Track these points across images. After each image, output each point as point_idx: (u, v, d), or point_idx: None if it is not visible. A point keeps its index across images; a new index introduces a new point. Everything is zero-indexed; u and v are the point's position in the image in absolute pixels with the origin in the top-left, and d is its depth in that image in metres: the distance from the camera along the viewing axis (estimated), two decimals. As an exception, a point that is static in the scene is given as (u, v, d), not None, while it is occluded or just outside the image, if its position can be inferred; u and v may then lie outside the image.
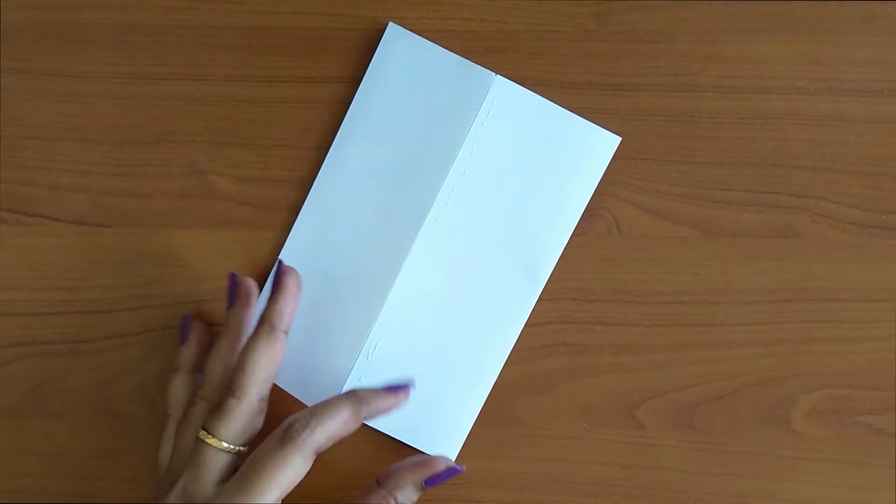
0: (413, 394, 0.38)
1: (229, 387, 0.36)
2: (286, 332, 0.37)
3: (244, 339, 0.38)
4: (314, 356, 0.40)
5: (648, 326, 0.41)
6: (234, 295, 0.39)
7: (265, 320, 0.37)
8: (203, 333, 0.40)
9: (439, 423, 0.40)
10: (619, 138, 0.40)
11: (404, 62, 0.40)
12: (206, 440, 0.35)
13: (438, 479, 0.38)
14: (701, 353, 0.41)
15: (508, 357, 0.40)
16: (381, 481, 0.37)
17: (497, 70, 0.41)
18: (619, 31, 0.41)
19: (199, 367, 0.39)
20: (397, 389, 0.37)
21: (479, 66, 0.40)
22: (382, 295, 0.40)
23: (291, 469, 0.34)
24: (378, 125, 0.40)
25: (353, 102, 0.40)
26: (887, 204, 0.41)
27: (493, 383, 0.40)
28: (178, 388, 0.39)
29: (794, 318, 0.41)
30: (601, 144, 0.40)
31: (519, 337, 0.40)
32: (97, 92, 0.41)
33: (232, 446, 0.35)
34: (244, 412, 0.35)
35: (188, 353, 0.40)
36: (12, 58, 0.41)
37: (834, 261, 0.41)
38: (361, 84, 0.40)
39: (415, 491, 0.37)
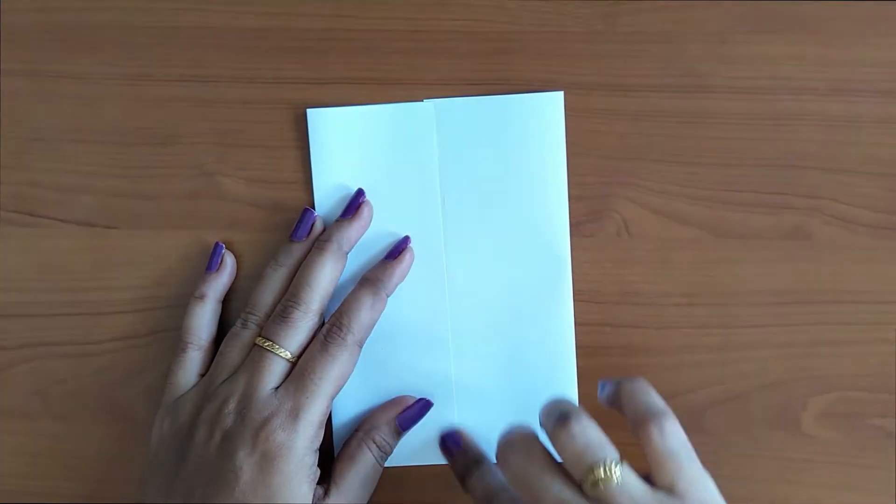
0: (508, 411, 0.40)
1: (292, 299, 0.37)
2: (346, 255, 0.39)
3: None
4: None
5: (658, 328, 0.41)
6: (302, 228, 0.40)
7: (333, 239, 0.39)
8: (233, 265, 0.41)
9: None
10: (561, 92, 0.39)
11: (340, 137, 0.40)
12: (271, 349, 0.37)
13: (412, 415, 0.40)
14: (710, 356, 0.40)
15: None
16: (358, 428, 0.39)
17: (506, 71, 0.40)
18: (628, 32, 0.41)
19: (223, 298, 0.41)
20: (398, 251, 0.40)
21: (409, 103, 0.40)
22: (444, 333, 0.41)
23: (340, 366, 0.37)
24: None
25: (314, 189, 0.41)
26: (899, 205, 0.41)
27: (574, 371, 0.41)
28: (204, 315, 0.39)
29: (803, 320, 0.41)
30: (548, 106, 0.40)
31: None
32: (104, 94, 0.41)
33: (291, 355, 0.37)
34: (306, 324, 0.37)
35: (218, 281, 0.40)
36: (18, 60, 0.41)
37: (844, 263, 0.40)
38: (313, 173, 0.40)
39: (391, 432, 0.39)
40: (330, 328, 0.37)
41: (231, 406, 0.36)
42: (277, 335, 0.37)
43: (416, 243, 0.40)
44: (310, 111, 0.40)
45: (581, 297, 0.41)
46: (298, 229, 0.40)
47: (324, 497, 0.37)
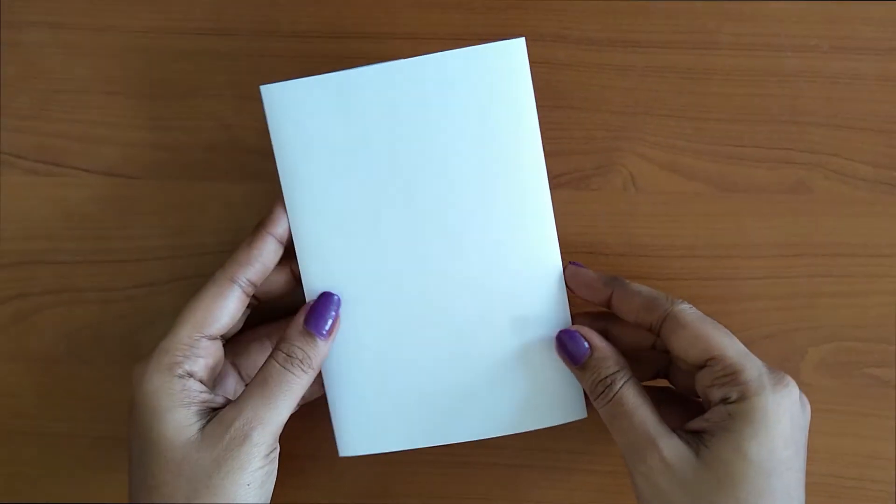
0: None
1: None
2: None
3: None
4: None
5: (662, 280, 0.42)
6: (323, 320, 0.37)
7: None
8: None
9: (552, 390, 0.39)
10: (523, 38, 0.37)
11: (298, 111, 0.37)
12: None
13: (319, 313, 0.37)
14: (713, 306, 0.42)
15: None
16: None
17: (518, 27, 0.41)
18: (638, -11, 0.42)
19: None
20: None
21: (359, 68, 0.37)
22: (432, 297, 0.38)
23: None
24: (316, 172, 0.38)
25: (280, 172, 0.38)
26: (898, 161, 0.42)
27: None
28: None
29: (804, 272, 0.42)
30: (510, 55, 0.37)
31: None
32: (127, 46, 0.42)
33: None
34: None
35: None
36: (43, 12, 0.42)
37: (845, 216, 0.42)
38: (276, 153, 0.38)
39: (304, 337, 0.36)
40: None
41: None
42: None
43: (387, 215, 0.38)
44: (262, 87, 0.37)
45: (588, 249, 0.42)
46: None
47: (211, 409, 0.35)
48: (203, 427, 0.34)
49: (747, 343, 0.35)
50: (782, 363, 0.42)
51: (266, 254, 0.37)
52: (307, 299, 0.38)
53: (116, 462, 0.43)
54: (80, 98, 0.42)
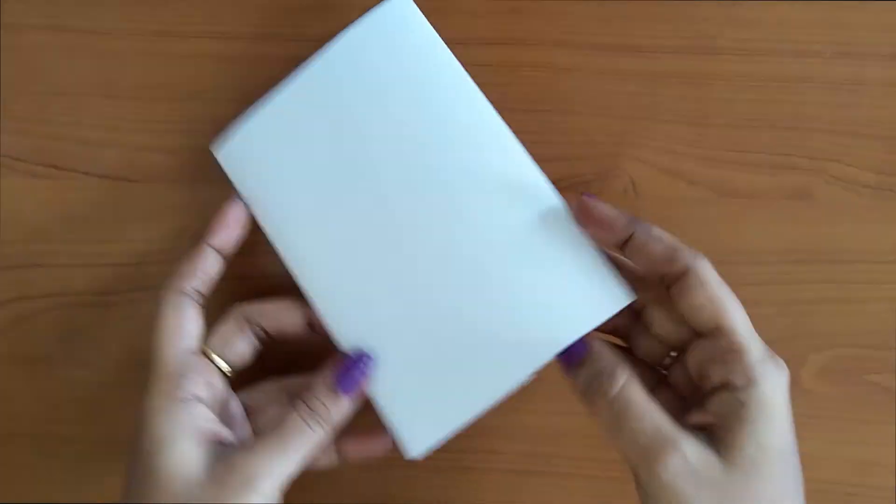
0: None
1: None
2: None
3: None
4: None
5: (663, 285, 0.42)
6: (350, 380, 0.36)
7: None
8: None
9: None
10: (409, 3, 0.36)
11: (253, 158, 0.38)
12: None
13: (351, 373, 0.36)
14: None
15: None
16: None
17: (521, 32, 0.41)
18: (640, -6, 0.42)
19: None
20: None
21: (280, 88, 0.37)
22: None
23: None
24: (292, 208, 0.37)
25: (260, 221, 0.38)
26: (900, 167, 0.41)
27: None
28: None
29: (805, 278, 0.42)
30: (401, 14, 0.36)
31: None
32: (127, 49, 0.42)
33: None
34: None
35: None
36: (42, 14, 0.42)
37: (846, 223, 0.41)
38: (248, 204, 0.38)
39: (330, 394, 0.35)
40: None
41: None
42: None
43: (374, 216, 0.37)
44: (219, 151, 0.38)
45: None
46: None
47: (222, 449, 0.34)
48: (209, 465, 0.33)
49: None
50: (783, 370, 0.42)
51: (208, 265, 0.37)
52: (333, 338, 0.37)
53: (114, 466, 0.43)
54: (79, 101, 0.42)
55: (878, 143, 0.41)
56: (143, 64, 0.42)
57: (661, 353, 0.36)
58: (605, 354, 0.35)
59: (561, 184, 0.41)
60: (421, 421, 0.36)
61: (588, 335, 0.35)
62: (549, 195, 0.36)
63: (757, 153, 0.41)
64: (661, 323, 0.36)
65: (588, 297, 0.35)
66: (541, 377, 0.41)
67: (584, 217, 0.35)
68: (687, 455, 0.31)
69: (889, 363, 0.42)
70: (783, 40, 0.41)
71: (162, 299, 0.36)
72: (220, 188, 0.42)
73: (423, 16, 0.36)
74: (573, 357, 0.35)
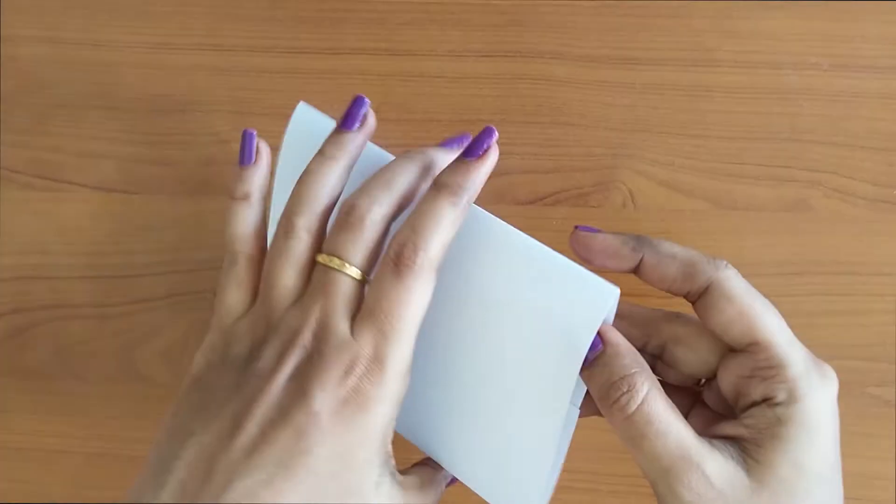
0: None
1: (361, 197, 0.30)
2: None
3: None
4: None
5: (661, 297, 0.41)
6: (353, 116, 0.32)
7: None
8: (269, 157, 0.34)
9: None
10: (617, 289, 0.30)
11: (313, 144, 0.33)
12: (340, 268, 0.30)
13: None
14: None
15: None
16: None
17: (518, 43, 0.41)
18: (637, 6, 0.42)
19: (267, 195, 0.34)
20: (480, 147, 0.30)
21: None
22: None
23: (419, 297, 0.29)
24: None
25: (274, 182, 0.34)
26: (899, 179, 0.41)
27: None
28: (251, 217, 0.33)
29: (804, 290, 0.41)
30: (599, 296, 0.30)
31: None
32: (124, 61, 0.42)
33: (360, 273, 0.30)
34: (377, 232, 0.30)
35: (259, 175, 0.33)
36: (42, 27, 0.42)
37: (845, 235, 0.41)
38: (278, 169, 0.35)
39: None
40: (401, 249, 0.29)
41: (306, 339, 0.29)
42: (345, 249, 0.30)
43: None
44: (302, 105, 0.34)
45: (587, 267, 0.42)
46: (349, 117, 0.32)
47: (393, 480, 0.30)
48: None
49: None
50: (783, 382, 0.41)
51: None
52: None
53: (110, 480, 0.43)
54: (77, 113, 0.42)
55: (876, 154, 0.41)
56: (141, 76, 0.42)
57: (691, 381, 0.33)
58: (622, 353, 0.30)
59: (560, 196, 0.42)
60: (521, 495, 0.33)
61: (605, 329, 0.30)
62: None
63: (755, 165, 0.41)
64: (685, 360, 0.33)
65: (579, 307, 0.31)
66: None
67: (585, 251, 0.33)
68: (712, 475, 0.28)
69: (889, 376, 0.41)
70: (781, 53, 0.41)
71: (417, 272, 0.29)
72: (218, 200, 0.42)
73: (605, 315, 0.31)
74: (587, 357, 0.30)
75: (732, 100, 0.41)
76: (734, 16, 0.41)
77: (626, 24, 0.41)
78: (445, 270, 0.31)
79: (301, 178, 0.31)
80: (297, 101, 0.42)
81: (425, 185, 0.32)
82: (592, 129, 0.42)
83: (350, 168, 0.32)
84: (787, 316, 0.41)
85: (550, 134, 0.42)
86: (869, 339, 0.41)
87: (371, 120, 0.33)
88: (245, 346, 0.30)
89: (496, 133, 0.31)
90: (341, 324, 0.29)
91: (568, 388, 0.30)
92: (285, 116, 0.42)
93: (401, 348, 0.29)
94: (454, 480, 0.35)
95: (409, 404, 0.32)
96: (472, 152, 0.30)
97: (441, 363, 0.33)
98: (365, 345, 0.29)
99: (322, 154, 0.32)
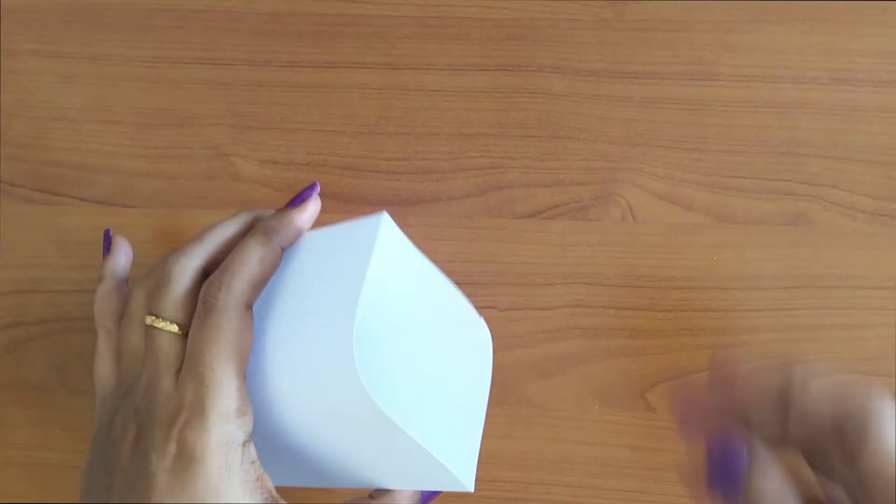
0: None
1: (170, 254, 0.32)
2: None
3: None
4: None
5: (661, 311, 0.42)
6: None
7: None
8: (127, 246, 0.37)
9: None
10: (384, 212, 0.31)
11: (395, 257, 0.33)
12: (155, 324, 0.31)
13: (430, 495, 0.36)
14: (712, 339, 0.41)
15: (522, 340, 0.41)
16: (374, 495, 0.35)
17: (516, 58, 0.41)
18: (636, 20, 0.42)
19: (125, 279, 0.37)
20: (300, 199, 0.34)
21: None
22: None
23: (228, 335, 0.30)
24: None
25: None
26: (898, 193, 0.41)
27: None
28: (107, 297, 0.35)
29: (804, 304, 0.41)
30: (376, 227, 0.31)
31: (533, 320, 0.41)
32: (124, 75, 0.42)
33: (178, 327, 0.31)
34: (186, 283, 0.32)
35: (113, 261, 0.36)
36: (41, 41, 0.42)
37: (844, 248, 0.41)
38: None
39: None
40: (208, 288, 0.31)
41: (139, 401, 0.31)
42: (158, 306, 0.31)
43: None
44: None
45: (586, 280, 0.42)
46: (209, 228, 0.34)
47: None
48: None
49: (747, 375, 0.34)
50: (782, 396, 0.41)
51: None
52: None
53: (108, 494, 0.42)
54: (76, 127, 0.42)
55: (875, 168, 0.41)
56: (140, 89, 0.42)
57: None
58: (770, 482, 0.26)
59: (559, 210, 0.42)
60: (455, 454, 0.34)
61: (743, 441, 0.26)
62: None
63: (754, 179, 0.41)
64: None
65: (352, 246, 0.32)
66: (538, 403, 0.41)
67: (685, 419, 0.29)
68: None
69: (889, 390, 0.41)
70: (780, 66, 0.41)
71: (222, 311, 0.30)
72: (217, 215, 0.42)
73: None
74: (725, 478, 0.26)
75: (731, 113, 0.41)
76: (733, 30, 0.41)
77: (625, 38, 0.42)
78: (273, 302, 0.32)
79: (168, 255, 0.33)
80: (297, 115, 0.42)
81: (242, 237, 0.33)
82: (591, 142, 0.42)
83: (213, 251, 0.33)
84: (787, 330, 0.41)
85: (549, 147, 0.42)
86: (868, 353, 0.41)
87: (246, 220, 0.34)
88: (107, 413, 0.32)
89: (318, 187, 0.34)
90: (165, 380, 0.30)
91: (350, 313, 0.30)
92: (283, 130, 0.42)
93: (221, 389, 0.29)
94: (427, 499, 0.36)
95: (294, 461, 0.33)
96: (293, 202, 0.34)
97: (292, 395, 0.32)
98: (186, 394, 0.29)
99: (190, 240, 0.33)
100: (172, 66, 0.42)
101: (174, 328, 0.31)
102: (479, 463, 0.41)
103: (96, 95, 0.42)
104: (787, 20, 0.42)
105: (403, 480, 0.34)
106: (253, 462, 0.30)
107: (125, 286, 0.36)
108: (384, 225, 0.31)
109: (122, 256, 0.37)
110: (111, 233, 0.37)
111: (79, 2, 0.43)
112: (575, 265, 0.41)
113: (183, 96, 0.42)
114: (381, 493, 0.34)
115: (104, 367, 0.34)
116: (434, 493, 0.36)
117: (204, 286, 0.31)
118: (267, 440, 0.32)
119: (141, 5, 0.43)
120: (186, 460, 0.29)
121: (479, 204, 0.41)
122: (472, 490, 0.34)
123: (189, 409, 0.29)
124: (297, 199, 0.34)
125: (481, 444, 0.37)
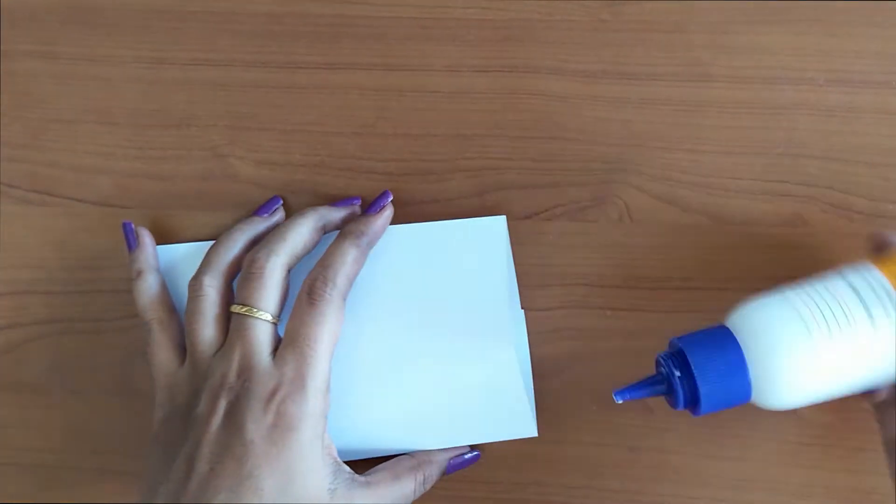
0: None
1: (260, 251, 0.37)
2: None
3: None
4: None
5: (657, 312, 0.42)
6: (266, 208, 0.41)
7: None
8: (151, 237, 0.41)
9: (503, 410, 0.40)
10: (503, 217, 0.40)
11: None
12: (250, 314, 0.36)
13: (461, 462, 0.40)
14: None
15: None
16: (414, 455, 0.39)
17: (514, 59, 0.41)
18: (633, 21, 0.42)
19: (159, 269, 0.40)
20: (378, 206, 0.40)
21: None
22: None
23: (331, 323, 0.36)
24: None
25: None
26: (894, 194, 0.41)
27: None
28: (149, 289, 0.39)
29: (801, 305, 0.41)
30: (491, 230, 0.40)
31: (531, 321, 0.41)
32: (121, 76, 0.42)
33: (272, 315, 0.36)
34: (277, 279, 0.37)
35: (145, 254, 0.40)
36: (39, 42, 0.42)
37: (841, 250, 0.41)
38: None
39: (440, 472, 0.39)
40: (313, 283, 0.36)
41: (231, 379, 0.35)
42: (252, 296, 0.36)
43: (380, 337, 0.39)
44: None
45: (583, 281, 0.42)
46: (262, 208, 0.41)
47: (352, 483, 0.36)
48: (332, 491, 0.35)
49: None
50: (779, 396, 0.41)
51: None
52: None
53: (108, 495, 0.42)
54: (73, 128, 0.42)
55: (872, 169, 0.41)
56: (137, 91, 0.42)
57: None
58: None
59: (556, 211, 0.42)
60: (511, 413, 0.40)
61: None
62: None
63: (751, 180, 0.41)
64: None
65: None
66: (536, 404, 0.41)
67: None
68: None
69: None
70: (777, 68, 0.41)
71: (327, 300, 0.36)
72: (214, 215, 0.42)
73: (507, 238, 0.40)
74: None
75: (728, 114, 0.41)
76: (730, 31, 0.42)
77: (622, 39, 0.42)
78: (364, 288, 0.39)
79: (209, 249, 0.39)
80: (294, 116, 0.42)
81: (317, 237, 0.39)
82: (589, 143, 0.42)
83: (252, 241, 0.39)
84: (784, 330, 0.41)
85: (546, 149, 0.42)
86: (865, 353, 0.41)
87: (281, 214, 0.41)
88: (185, 397, 0.36)
89: (391, 195, 0.40)
90: (263, 359, 0.35)
91: (505, 312, 0.38)
92: (280, 131, 0.42)
93: (319, 367, 0.35)
94: (453, 468, 0.40)
95: (365, 421, 0.38)
96: (372, 209, 0.40)
97: (377, 369, 0.38)
98: (287, 369, 0.35)
99: (230, 230, 0.39)
100: (170, 67, 0.42)
101: (268, 317, 0.36)
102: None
103: (93, 96, 0.42)
104: (785, 21, 0.42)
105: (474, 433, 0.40)
106: (326, 434, 0.35)
107: (162, 276, 0.40)
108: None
109: (151, 247, 0.40)
110: (133, 225, 0.40)
111: (76, 3, 0.43)
112: (572, 266, 0.41)
113: (180, 97, 0.42)
114: (419, 452, 0.39)
115: (165, 355, 0.38)
116: (459, 465, 0.40)
117: (309, 279, 0.36)
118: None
119: (138, 6, 0.43)
120: (283, 428, 0.34)
121: (476, 205, 0.41)
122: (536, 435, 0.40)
123: (290, 383, 0.34)
124: (376, 206, 0.40)
125: (480, 445, 0.39)
